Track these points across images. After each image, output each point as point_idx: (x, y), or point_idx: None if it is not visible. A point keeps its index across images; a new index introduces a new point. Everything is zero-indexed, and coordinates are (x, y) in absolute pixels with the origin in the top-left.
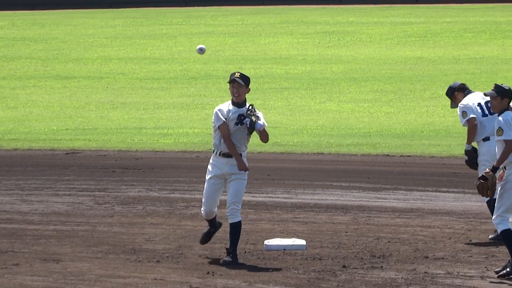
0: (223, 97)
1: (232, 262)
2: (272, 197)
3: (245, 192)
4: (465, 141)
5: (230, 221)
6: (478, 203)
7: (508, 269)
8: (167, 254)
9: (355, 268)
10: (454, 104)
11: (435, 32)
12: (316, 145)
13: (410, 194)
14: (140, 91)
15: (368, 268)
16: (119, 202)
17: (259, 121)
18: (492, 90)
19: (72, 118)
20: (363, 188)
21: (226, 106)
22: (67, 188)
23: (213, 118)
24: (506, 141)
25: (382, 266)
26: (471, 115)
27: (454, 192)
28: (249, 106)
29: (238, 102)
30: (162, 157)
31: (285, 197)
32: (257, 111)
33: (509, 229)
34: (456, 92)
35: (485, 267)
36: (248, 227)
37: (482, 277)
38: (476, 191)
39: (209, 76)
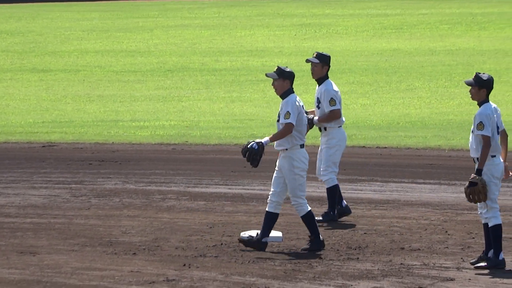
0: (199, 89)
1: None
2: (248, 189)
3: (221, 184)
4: (440, 132)
5: (300, 215)
6: (454, 194)
7: (482, 263)
8: (144, 247)
9: (331, 259)
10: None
11: (411, 24)
12: None
13: (386, 185)
14: (117, 84)
15: (344, 259)
16: (96, 194)
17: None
18: (472, 79)
19: (49, 111)
20: (339, 179)
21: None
22: (44, 180)
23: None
24: (484, 137)
25: (358, 258)
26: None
27: (430, 183)
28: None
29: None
30: (138, 150)
31: (261, 189)
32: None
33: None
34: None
35: (461, 258)
36: (224, 219)
37: (458, 268)
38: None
39: (185, 68)
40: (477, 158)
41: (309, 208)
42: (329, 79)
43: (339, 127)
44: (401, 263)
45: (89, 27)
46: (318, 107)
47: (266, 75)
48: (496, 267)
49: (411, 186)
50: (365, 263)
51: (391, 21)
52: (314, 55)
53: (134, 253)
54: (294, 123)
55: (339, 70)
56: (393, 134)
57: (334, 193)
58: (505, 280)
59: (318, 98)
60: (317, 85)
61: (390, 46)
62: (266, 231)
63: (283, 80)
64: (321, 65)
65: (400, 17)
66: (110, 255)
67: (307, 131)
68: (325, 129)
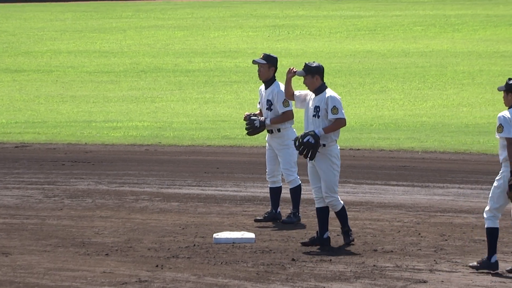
0: (172, 90)
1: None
2: (221, 190)
3: (194, 185)
4: (414, 134)
5: (336, 210)
6: (427, 196)
7: (478, 264)
8: (116, 248)
9: (304, 261)
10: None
11: (384, 25)
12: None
13: (359, 187)
14: (90, 85)
15: (317, 261)
16: (69, 195)
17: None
18: (504, 85)
19: (22, 111)
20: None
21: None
22: (16, 181)
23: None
24: (507, 139)
25: (331, 259)
26: None
27: (403, 185)
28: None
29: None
30: (111, 150)
31: (234, 190)
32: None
33: (497, 228)
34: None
35: (434, 261)
36: (197, 220)
37: (431, 270)
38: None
39: (158, 69)
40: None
41: (343, 203)
42: (277, 80)
43: (291, 127)
44: (374, 265)
45: (62, 28)
46: (269, 109)
47: (297, 73)
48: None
49: (384, 188)
50: (338, 264)
51: (364, 22)
52: (261, 57)
53: (107, 254)
54: (345, 117)
55: None
56: (366, 135)
57: (299, 193)
58: (478, 283)
59: (269, 100)
60: (264, 87)
61: (364, 47)
62: (324, 226)
63: (312, 77)
64: (268, 66)
65: (373, 19)
66: (82, 256)
67: (258, 133)
68: (278, 130)
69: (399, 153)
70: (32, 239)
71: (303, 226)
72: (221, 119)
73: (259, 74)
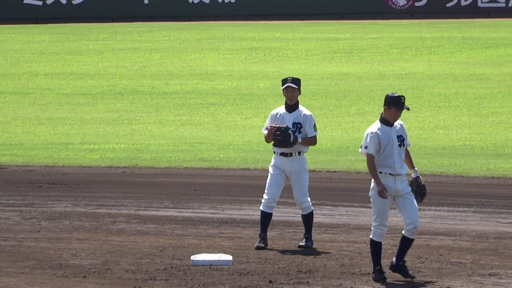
0: (149, 112)
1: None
2: (198, 213)
3: (171, 207)
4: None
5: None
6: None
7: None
8: (94, 270)
9: (281, 283)
10: None
11: (361, 48)
12: (242, 161)
13: (336, 209)
14: (67, 107)
15: (294, 283)
16: (46, 217)
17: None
18: None
19: None
20: (289, 203)
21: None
22: None
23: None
24: None
25: (308, 282)
26: None
27: None
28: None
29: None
30: (88, 173)
31: (211, 213)
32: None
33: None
34: None
35: (411, 283)
36: (174, 242)
37: None
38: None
39: (135, 91)
40: None
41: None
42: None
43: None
44: (351, 287)
45: (39, 50)
46: (298, 131)
47: (406, 107)
48: None
49: (361, 210)
50: (315, 287)
51: (341, 45)
52: (290, 80)
53: (84, 276)
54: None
55: None
56: (343, 158)
57: (312, 218)
58: None
59: (298, 122)
60: (283, 110)
61: (340, 70)
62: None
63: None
64: (298, 90)
65: (350, 41)
66: (60, 278)
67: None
68: (299, 153)
69: None
70: (10, 261)
71: (280, 248)
72: (198, 141)
73: (290, 98)
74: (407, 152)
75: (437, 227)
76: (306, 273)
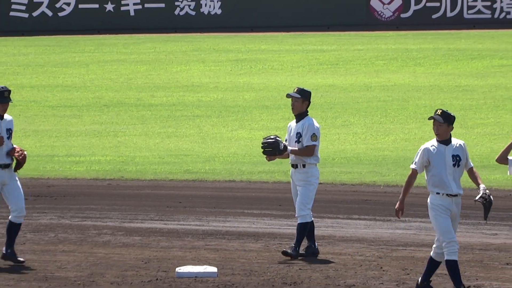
0: (135, 124)
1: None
2: (183, 225)
3: (156, 220)
4: (376, 168)
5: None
6: (389, 230)
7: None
8: (79, 282)
9: None
10: None
11: (346, 59)
12: (228, 173)
13: (321, 221)
14: (52, 119)
15: None
16: (31, 229)
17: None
18: None
19: None
20: (274, 215)
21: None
22: None
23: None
24: None
25: None
26: None
27: (365, 219)
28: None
29: None
30: (74, 185)
31: (196, 225)
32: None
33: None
34: None
35: None
36: (159, 255)
37: None
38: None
39: (121, 104)
40: None
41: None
42: (309, 115)
43: (316, 164)
44: None
45: (25, 62)
46: (298, 141)
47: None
48: None
49: (346, 222)
50: None
51: (326, 57)
52: (295, 90)
53: None
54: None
55: (275, 105)
56: (328, 169)
57: (305, 230)
58: None
59: (299, 132)
60: (294, 122)
61: (326, 81)
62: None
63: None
64: (302, 101)
65: (335, 53)
66: None
67: (274, 156)
68: (303, 166)
69: (361, 187)
70: None
71: (266, 260)
72: (184, 153)
73: (292, 108)
74: (472, 172)
75: (422, 238)
76: (291, 285)
